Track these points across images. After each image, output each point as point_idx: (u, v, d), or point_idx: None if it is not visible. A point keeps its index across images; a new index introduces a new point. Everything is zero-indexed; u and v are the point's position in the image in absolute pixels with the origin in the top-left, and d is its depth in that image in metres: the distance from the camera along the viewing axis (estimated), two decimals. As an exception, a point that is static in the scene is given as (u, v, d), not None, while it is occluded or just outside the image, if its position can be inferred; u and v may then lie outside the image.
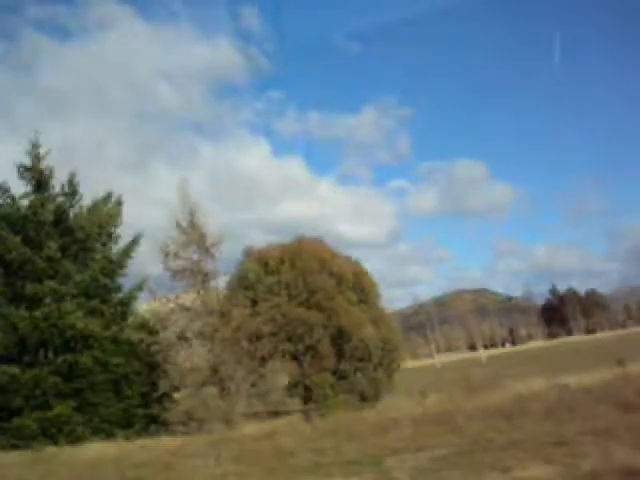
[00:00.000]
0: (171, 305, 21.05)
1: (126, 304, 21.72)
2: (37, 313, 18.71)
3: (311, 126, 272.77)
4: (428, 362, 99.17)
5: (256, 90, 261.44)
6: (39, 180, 20.68)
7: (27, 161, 20.55)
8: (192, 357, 21.43)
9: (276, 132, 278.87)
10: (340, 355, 28.26)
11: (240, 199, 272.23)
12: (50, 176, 20.88)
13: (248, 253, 31.77)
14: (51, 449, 15.16)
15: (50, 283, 19.19)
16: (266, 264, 30.22)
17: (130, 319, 21.73)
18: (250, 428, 16.64)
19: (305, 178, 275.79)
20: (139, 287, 21.83)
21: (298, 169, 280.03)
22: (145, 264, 25.35)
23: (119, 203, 22.42)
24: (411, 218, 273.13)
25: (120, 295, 21.73)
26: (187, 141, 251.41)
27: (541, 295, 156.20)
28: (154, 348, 20.75)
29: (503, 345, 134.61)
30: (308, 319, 27.46)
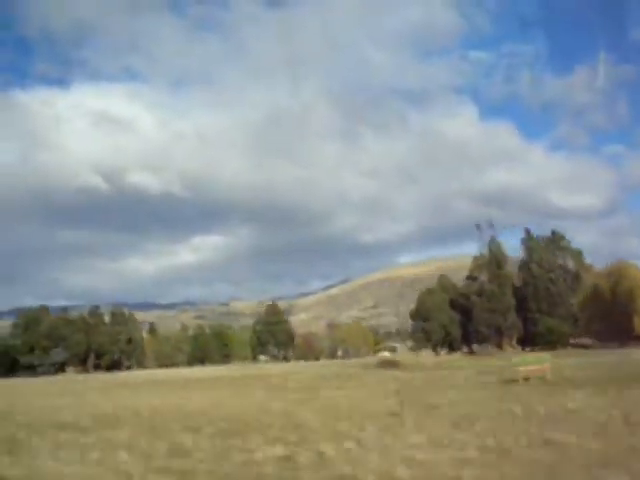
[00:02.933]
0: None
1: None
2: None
3: (521, 88, 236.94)
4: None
5: (463, 51, 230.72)
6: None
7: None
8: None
9: (484, 94, 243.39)
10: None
11: (447, 167, 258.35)
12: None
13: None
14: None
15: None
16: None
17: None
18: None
19: (515, 144, 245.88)
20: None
21: (508, 134, 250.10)
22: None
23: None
24: (630, 187, 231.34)
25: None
26: (394, 107, 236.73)
27: None
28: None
29: None
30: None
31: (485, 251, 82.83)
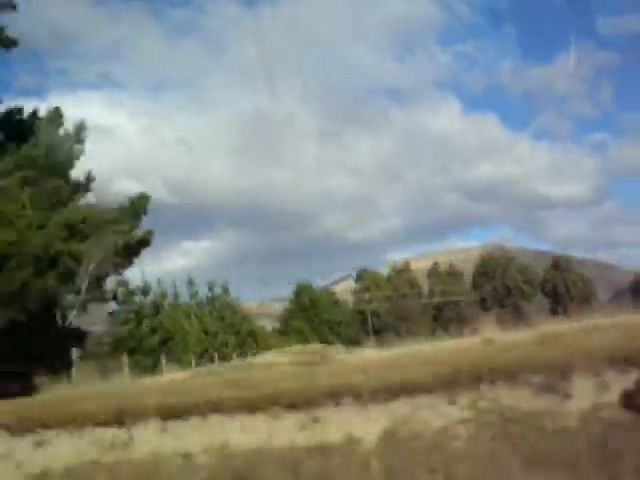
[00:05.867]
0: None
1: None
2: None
3: (503, 79, 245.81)
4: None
5: (444, 44, 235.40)
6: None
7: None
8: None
9: (466, 88, 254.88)
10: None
11: (433, 161, 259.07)
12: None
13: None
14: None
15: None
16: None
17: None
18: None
19: (500, 135, 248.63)
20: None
21: (492, 126, 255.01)
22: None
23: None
24: (615, 174, 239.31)
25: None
26: (376, 104, 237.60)
27: None
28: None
29: None
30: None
31: None
